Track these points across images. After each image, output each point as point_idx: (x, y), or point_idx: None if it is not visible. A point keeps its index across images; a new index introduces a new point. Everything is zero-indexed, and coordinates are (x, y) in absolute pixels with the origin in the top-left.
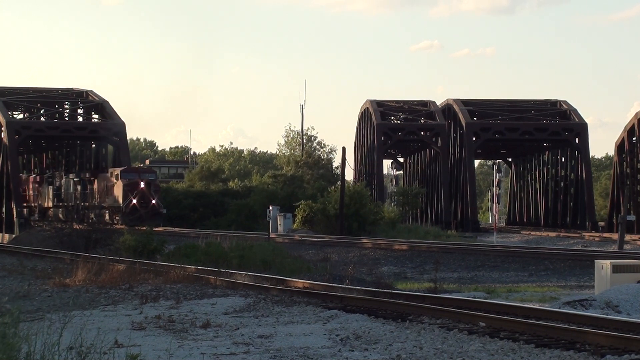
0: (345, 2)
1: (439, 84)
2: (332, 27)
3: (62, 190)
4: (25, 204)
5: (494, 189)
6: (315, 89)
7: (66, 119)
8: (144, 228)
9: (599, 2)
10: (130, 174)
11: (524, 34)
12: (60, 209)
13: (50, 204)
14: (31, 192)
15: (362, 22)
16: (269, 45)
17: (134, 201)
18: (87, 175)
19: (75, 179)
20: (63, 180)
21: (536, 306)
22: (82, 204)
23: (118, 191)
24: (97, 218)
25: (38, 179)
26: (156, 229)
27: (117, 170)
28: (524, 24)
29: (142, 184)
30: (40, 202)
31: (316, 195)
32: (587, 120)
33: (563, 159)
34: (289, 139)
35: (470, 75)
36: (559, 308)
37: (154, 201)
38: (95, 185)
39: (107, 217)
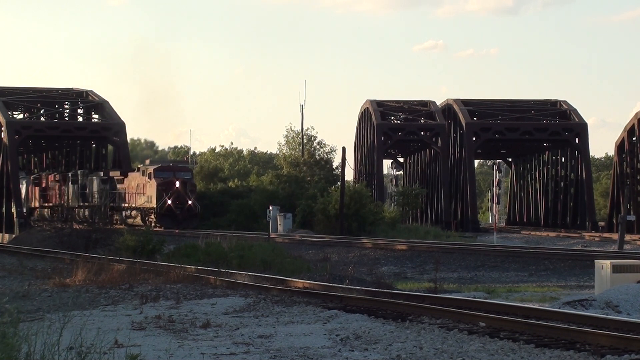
0: (352, 3)
1: (443, 84)
2: (336, 28)
3: (87, 190)
4: (46, 204)
5: (494, 189)
6: (315, 89)
7: (66, 119)
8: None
9: (603, 2)
10: (165, 173)
11: (529, 34)
12: (86, 210)
13: (75, 204)
14: (52, 191)
15: (367, 22)
16: (272, 45)
17: (169, 202)
18: (117, 173)
19: (103, 178)
20: (88, 179)
21: (536, 306)
22: (111, 204)
23: (151, 191)
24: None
25: (59, 177)
26: (192, 230)
27: (151, 169)
28: (528, 24)
29: (177, 184)
30: (62, 202)
31: (316, 196)
32: (589, 120)
33: (563, 159)
34: (290, 138)
35: (474, 75)
36: (559, 308)
37: (190, 202)
38: (125, 185)
39: (139, 218)
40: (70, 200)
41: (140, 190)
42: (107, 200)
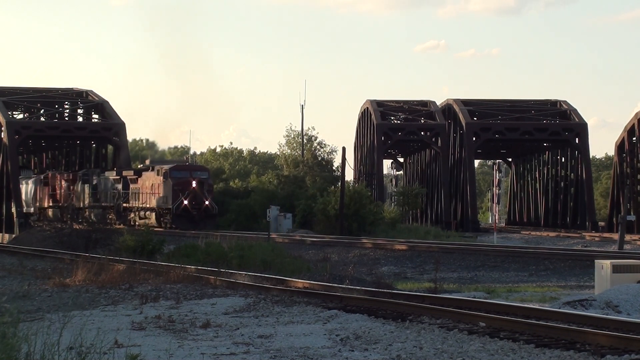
0: (354, 3)
1: (444, 84)
2: (338, 27)
3: (99, 190)
4: (56, 204)
5: (494, 189)
6: (315, 89)
7: (66, 119)
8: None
9: (604, 2)
10: (181, 172)
11: (530, 34)
12: (97, 210)
13: (85, 204)
14: (61, 190)
15: (368, 22)
16: (273, 45)
17: (185, 202)
18: (130, 172)
19: (115, 177)
20: (100, 179)
21: (536, 306)
22: (125, 204)
23: (167, 191)
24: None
25: (70, 176)
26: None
27: (166, 168)
28: (530, 24)
29: (194, 183)
30: (73, 202)
31: (316, 196)
32: (590, 121)
33: (563, 159)
34: (290, 139)
35: (476, 76)
36: (559, 308)
37: (207, 202)
38: (139, 184)
39: (153, 219)
40: (81, 200)
41: (155, 190)
42: (120, 200)
